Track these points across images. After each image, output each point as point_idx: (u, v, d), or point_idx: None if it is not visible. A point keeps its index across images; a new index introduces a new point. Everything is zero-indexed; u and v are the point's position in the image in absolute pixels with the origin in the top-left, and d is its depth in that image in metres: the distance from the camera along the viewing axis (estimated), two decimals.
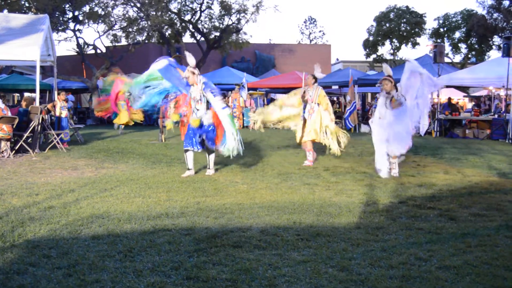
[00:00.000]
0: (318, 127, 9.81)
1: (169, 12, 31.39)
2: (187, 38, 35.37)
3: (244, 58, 42.13)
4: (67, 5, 28.39)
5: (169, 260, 4.12)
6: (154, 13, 28.43)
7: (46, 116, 13.04)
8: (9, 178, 8.23)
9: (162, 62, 8.67)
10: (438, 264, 4.08)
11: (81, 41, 30.08)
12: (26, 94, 23.26)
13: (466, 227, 5.25)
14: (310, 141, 9.94)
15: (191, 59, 8.59)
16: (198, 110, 8.45)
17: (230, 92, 24.83)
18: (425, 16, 44.87)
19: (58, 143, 12.32)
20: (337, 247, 4.49)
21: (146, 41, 31.45)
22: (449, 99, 22.73)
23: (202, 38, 33.30)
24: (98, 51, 30.35)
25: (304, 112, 9.99)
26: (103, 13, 29.05)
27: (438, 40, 42.39)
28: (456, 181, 8.12)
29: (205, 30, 33.14)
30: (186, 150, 8.55)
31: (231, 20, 32.70)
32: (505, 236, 4.89)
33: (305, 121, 9.95)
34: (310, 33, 63.12)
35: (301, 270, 3.95)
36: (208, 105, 8.49)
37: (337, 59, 53.89)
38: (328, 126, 9.82)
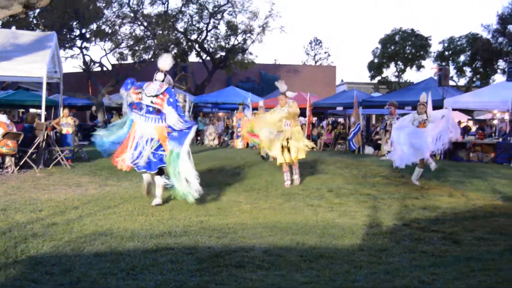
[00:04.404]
0: (301, 144, 9.75)
1: (176, 31, 31.63)
2: (192, 57, 35.66)
3: (250, 78, 42.21)
4: (75, 23, 28.66)
5: (172, 279, 4.11)
6: (161, 32, 28.67)
7: (51, 132, 13.10)
8: (13, 193, 8.25)
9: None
10: None
11: (87, 58, 30.23)
12: (32, 110, 23.41)
13: (470, 250, 5.22)
14: (286, 162, 9.86)
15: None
16: None
17: (234, 111, 24.88)
18: (430, 39, 45.02)
19: (62, 160, 12.35)
20: (340, 269, 4.47)
21: (152, 60, 31.64)
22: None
23: (208, 58, 33.51)
24: (104, 68, 30.54)
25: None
26: (110, 31, 29.29)
27: (443, 63, 42.45)
28: (460, 205, 8.09)
29: (211, 49, 33.37)
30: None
31: (237, 40, 32.98)
32: (509, 261, 4.87)
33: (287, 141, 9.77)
34: (315, 54, 63.23)
35: None
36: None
37: (342, 81, 53.98)
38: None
